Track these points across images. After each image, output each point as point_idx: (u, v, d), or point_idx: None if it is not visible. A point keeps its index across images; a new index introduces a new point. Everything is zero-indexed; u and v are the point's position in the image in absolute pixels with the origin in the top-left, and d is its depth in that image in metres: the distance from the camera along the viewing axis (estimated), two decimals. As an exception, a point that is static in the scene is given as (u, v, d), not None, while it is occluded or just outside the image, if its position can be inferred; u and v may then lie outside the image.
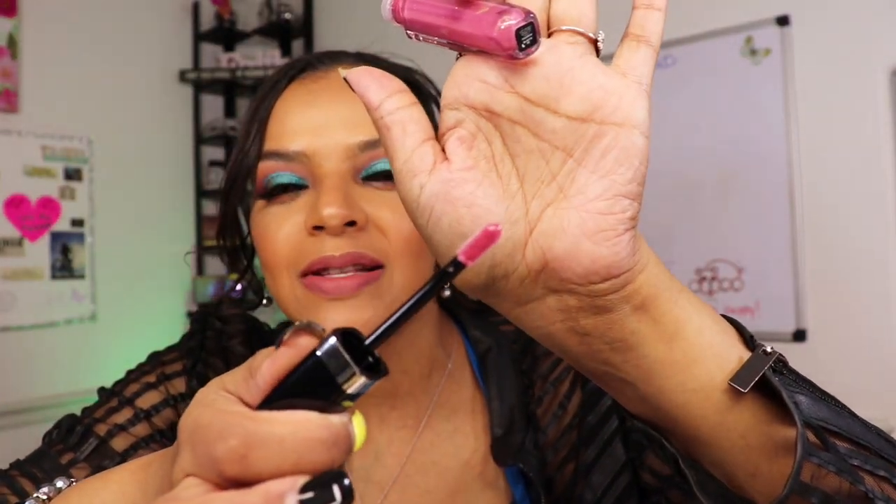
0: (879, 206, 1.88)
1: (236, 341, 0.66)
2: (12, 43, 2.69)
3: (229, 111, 3.41)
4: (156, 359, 0.65)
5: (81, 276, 2.87)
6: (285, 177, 0.54)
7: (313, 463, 0.27)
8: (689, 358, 0.35)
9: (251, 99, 0.59)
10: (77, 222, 2.87)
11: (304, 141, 0.54)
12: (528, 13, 0.30)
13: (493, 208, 0.32)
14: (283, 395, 0.29)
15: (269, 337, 0.68)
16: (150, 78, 3.14)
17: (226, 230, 0.62)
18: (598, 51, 0.33)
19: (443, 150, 0.33)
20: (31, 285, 2.73)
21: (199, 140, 3.27)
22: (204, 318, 0.68)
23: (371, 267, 0.53)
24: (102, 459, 0.57)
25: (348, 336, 0.29)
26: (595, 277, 0.32)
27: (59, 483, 0.46)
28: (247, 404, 0.29)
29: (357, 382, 0.28)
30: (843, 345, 1.93)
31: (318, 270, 0.52)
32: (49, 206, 2.79)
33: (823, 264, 1.96)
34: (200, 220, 3.27)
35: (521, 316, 0.36)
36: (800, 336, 1.98)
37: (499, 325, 0.67)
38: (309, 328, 0.29)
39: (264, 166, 0.55)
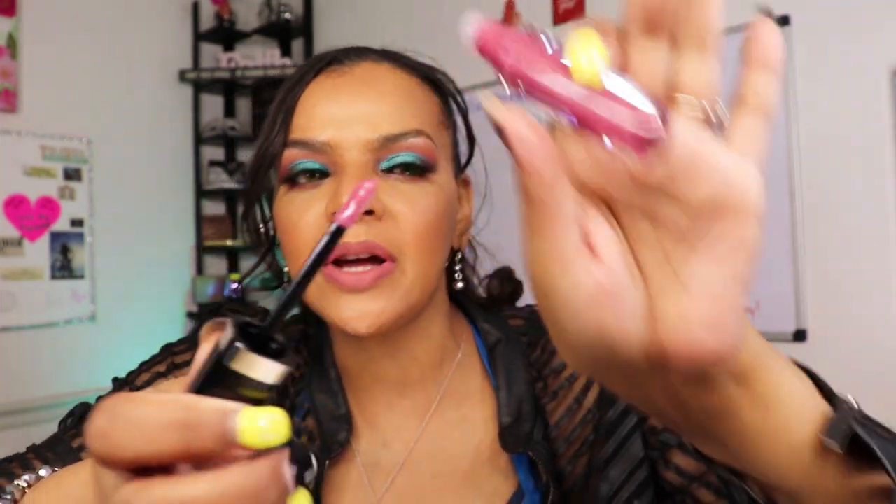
0: (880, 206, 1.88)
1: None
2: (12, 43, 2.69)
3: (229, 111, 3.41)
4: (167, 350, 0.67)
5: (81, 276, 2.87)
6: (309, 163, 0.56)
7: (162, 444, 0.27)
8: (783, 424, 0.35)
9: (278, 90, 0.62)
10: (76, 222, 2.87)
11: (328, 132, 0.56)
12: (662, 107, 0.27)
13: (632, 304, 0.30)
14: (205, 387, 0.29)
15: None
16: (150, 78, 3.13)
17: (249, 215, 0.64)
18: (710, 122, 0.30)
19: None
20: (31, 285, 2.73)
21: (199, 140, 3.27)
22: (217, 310, 0.70)
23: (384, 259, 0.54)
24: None
25: (247, 326, 0.29)
26: (705, 363, 0.30)
27: (42, 472, 0.48)
28: None
29: (252, 366, 0.28)
30: (844, 345, 1.92)
31: (335, 259, 0.54)
32: (48, 206, 2.79)
33: (824, 264, 1.96)
34: (200, 219, 3.27)
35: (622, 387, 0.34)
36: (800, 336, 1.98)
37: (507, 319, 0.68)
38: (220, 324, 0.30)
39: (289, 154, 0.57)
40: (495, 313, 0.69)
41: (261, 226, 0.66)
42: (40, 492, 0.48)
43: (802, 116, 1.99)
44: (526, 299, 0.75)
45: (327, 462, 0.59)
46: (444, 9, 2.82)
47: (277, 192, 0.60)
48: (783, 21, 2.00)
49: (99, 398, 0.63)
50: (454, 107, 0.65)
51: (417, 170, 0.57)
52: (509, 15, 2.63)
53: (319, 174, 0.57)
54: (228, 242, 3.30)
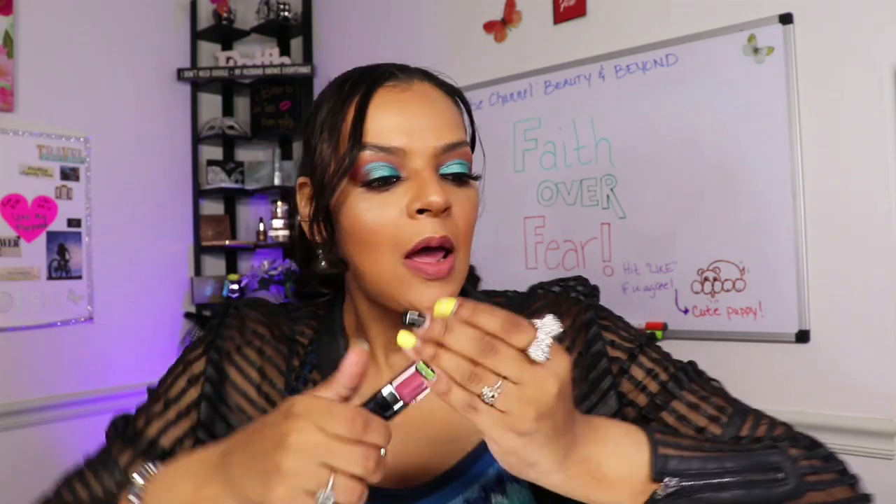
0: (883, 206, 1.87)
1: (254, 314, 0.78)
2: (8, 41, 2.67)
3: (227, 110, 3.39)
4: (185, 351, 0.78)
5: (78, 277, 2.85)
6: (385, 169, 0.66)
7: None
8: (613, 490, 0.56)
9: (332, 99, 0.70)
10: (74, 222, 2.85)
11: (401, 139, 0.66)
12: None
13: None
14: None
15: (285, 311, 0.80)
16: (148, 76, 3.12)
17: (319, 214, 0.72)
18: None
19: None
20: (28, 286, 2.71)
21: (197, 139, 3.25)
22: (227, 303, 0.80)
23: (450, 249, 0.67)
24: (139, 444, 0.73)
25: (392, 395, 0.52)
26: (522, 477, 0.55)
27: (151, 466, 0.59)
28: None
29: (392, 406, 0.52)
30: (847, 346, 1.91)
31: (419, 250, 0.65)
32: (45, 206, 2.77)
33: (826, 265, 1.95)
34: (198, 219, 3.25)
35: None
36: (803, 337, 1.97)
37: (493, 297, 0.81)
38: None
39: (365, 156, 0.66)
40: (486, 292, 0.83)
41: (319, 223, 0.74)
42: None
43: (805, 116, 1.98)
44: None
45: None
46: (443, 8, 2.81)
47: (350, 192, 0.68)
48: (786, 19, 1.99)
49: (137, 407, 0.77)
50: (467, 120, 0.76)
51: (464, 177, 0.69)
52: (510, 14, 2.62)
53: (394, 179, 0.66)
54: (227, 242, 3.28)
